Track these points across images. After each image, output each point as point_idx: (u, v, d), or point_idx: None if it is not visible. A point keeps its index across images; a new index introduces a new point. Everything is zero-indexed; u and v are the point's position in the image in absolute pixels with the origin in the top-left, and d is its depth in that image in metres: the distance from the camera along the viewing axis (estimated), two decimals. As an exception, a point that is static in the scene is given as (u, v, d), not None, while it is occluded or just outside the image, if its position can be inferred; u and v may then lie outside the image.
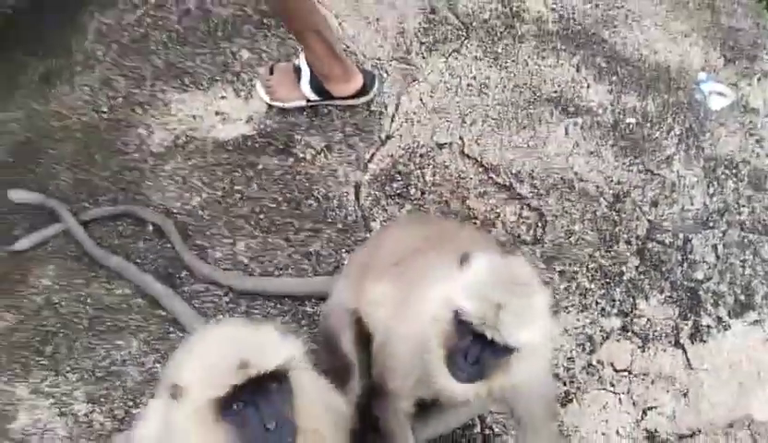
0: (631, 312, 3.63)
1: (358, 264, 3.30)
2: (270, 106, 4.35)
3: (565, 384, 3.44)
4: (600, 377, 3.46)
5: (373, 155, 4.21)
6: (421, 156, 4.19)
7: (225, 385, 2.08)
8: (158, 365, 3.56)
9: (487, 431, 3.35)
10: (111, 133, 4.36)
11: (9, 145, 4.45)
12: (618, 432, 3.33)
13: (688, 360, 3.51)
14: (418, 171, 4.13)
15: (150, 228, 4.01)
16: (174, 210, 4.04)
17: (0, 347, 3.75)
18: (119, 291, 3.83)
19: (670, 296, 3.68)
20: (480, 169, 4.11)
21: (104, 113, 4.45)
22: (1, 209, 4.19)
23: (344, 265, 3.71)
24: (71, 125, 4.43)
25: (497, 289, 2.38)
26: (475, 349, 2.41)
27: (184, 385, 2.15)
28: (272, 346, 2.18)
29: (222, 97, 4.46)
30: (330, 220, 3.96)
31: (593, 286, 3.70)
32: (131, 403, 3.52)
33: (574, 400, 3.40)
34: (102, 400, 3.55)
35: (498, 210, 3.96)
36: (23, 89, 4.68)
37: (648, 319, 3.61)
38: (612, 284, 3.71)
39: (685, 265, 3.79)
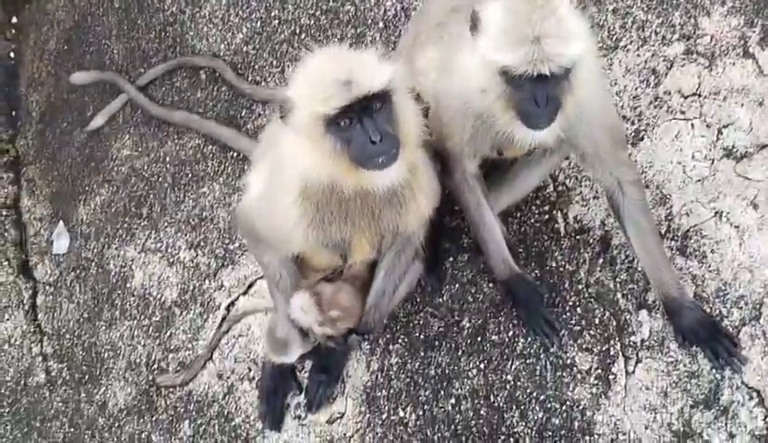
0: (694, 33, 3.39)
1: (408, 39, 3.25)
2: None
3: (633, 123, 3.33)
4: (669, 108, 3.32)
5: (401, -60, 4.01)
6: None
7: (333, 103, 2.28)
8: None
9: (561, 188, 3.33)
10: (145, -7, 4.41)
11: (61, 32, 4.64)
12: (693, 157, 3.22)
13: (759, 67, 3.26)
14: (450, -57, 3.91)
15: (203, 76, 4.11)
16: (221, 53, 4.10)
17: (104, 219, 4.09)
18: (191, 143, 4.02)
19: (733, 6, 3.39)
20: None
21: (135, -25, 4.48)
22: (71, 96, 4.43)
23: (396, 46, 3.64)
24: (108, -4, 4.51)
25: (523, 25, 2.32)
26: (541, 92, 2.39)
27: (294, 99, 2.37)
28: (375, 67, 2.35)
29: (238, -77, 4.34)
30: (369, 21, 3.90)
31: (649, 16, 3.47)
32: (228, 241, 3.79)
33: (645, 136, 3.30)
34: (202, 243, 3.84)
35: (538, -36, 3.71)
36: (59, -25, 4.77)
37: (712, 36, 3.37)
38: (669, 9, 3.46)
39: (748, -35, 3.46)
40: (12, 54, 4.82)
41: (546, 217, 3.32)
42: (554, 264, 3.23)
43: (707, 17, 3.41)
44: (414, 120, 2.48)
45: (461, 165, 2.92)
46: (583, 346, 3.09)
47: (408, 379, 3.25)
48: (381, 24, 3.85)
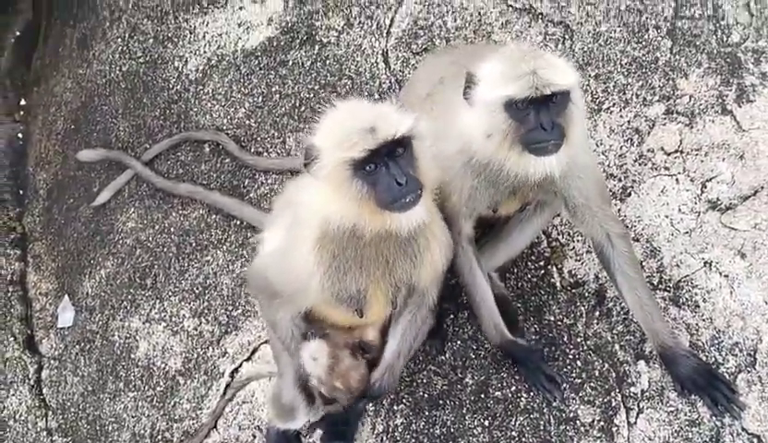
0: (673, 94, 3.56)
1: None
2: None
3: (620, 180, 3.46)
4: (653, 164, 3.46)
5: (392, 19, 4.23)
6: (438, 5, 4.17)
7: (360, 148, 2.41)
8: (245, 269, 3.82)
9: (554, 244, 3.44)
10: (150, 74, 4.58)
11: (68, 113, 4.78)
12: (680, 210, 3.34)
13: (737, 123, 3.42)
14: (439, 21, 4.13)
15: (207, 149, 4.24)
16: (224, 127, 4.24)
17: (109, 291, 4.15)
18: (194, 214, 4.11)
19: (709, 67, 3.58)
20: (498, 0, 4.06)
21: (140, 57, 4.66)
22: (78, 173, 4.54)
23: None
24: (114, 78, 4.68)
25: (519, 64, 2.56)
26: (545, 116, 2.57)
27: (320, 147, 2.48)
28: (396, 116, 2.51)
29: (240, 7, 4.56)
30: (366, 93, 4.06)
31: (630, 80, 3.65)
32: (231, 308, 3.84)
33: (632, 192, 3.43)
34: (206, 311, 3.88)
35: (523, 35, 3.92)
36: (66, 60, 4.97)
37: (690, 96, 3.54)
38: (648, 72, 3.64)
39: (719, 33, 3.65)
40: (20, 135, 4.96)
41: (542, 272, 3.40)
42: (552, 318, 3.30)
43: (685, 78, 3.58)
44: (431, 165, 2.62)
45: (457, 226, 3.02)
46: (585, 399, 3.13)
47: (414, 440, 3.26)
48: (377, 95, 4.01)
